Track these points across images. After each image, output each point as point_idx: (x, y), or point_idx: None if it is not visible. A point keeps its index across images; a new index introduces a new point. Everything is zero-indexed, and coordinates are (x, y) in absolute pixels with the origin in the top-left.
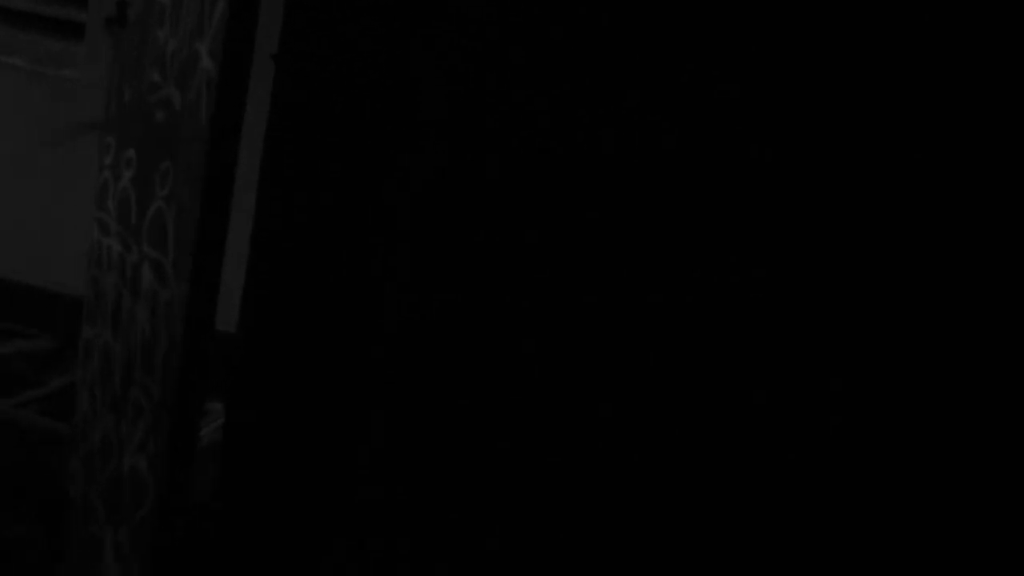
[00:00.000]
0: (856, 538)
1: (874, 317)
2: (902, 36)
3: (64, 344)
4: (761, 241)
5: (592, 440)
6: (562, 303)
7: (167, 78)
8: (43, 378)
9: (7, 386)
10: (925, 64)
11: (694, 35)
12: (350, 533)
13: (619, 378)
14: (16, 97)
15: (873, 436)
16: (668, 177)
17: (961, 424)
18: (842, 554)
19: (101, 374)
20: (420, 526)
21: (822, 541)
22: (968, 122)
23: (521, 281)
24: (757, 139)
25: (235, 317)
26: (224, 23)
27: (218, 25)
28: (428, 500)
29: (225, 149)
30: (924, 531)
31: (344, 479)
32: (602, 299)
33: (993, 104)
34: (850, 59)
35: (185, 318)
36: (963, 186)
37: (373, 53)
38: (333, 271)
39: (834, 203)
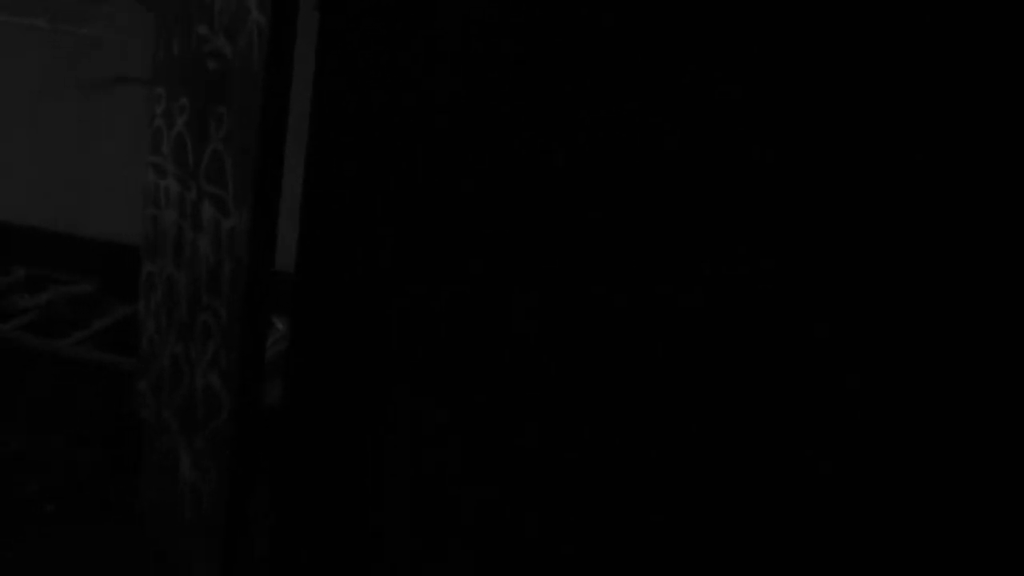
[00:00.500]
0: (873, 537)
1: (886, 314)
2: (906, 37)
3: (101, 287)
4: (769, 236)
5: (602, 431)
6: (567, 294)
7: (216, 31)
8: (87, 319)
9: (56, 328)
10: (930, 64)
11: (697, 38)
12: (394, 439)
13: (621, 369)
14: (39, 55)
15: (890, 433)
16: (671, 174)
17: (982, 422)
18: (858, 552)
19: (166, 303)
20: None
21: (837, 538)
22: (973, 119)
23: (526, 272)
24: (760, 138)
25: (287, 260)
26: None
27: None
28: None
29: (279, 90)
30: (941, 530)
31: (387, 391)
32: (608, 291)
33: (995, 102)
34: (866, 58)
35: (249, 242)
36: (971, 184)
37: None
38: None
39: (830, 202)
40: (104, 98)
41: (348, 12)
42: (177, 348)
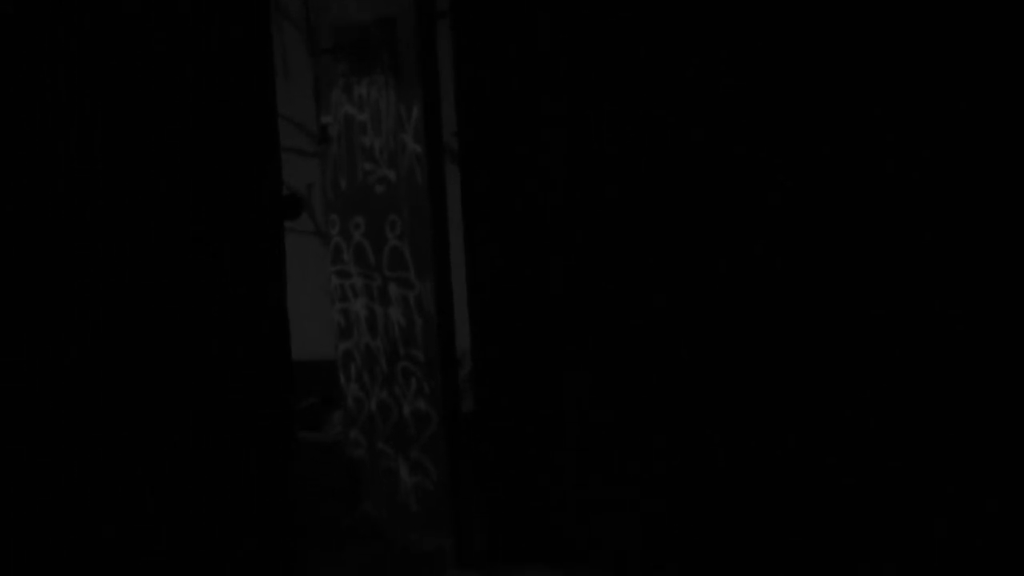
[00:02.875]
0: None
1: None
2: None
3: None
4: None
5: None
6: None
7: (379, 164)
8: None
9: None
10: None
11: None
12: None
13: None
14: None
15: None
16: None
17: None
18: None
19: (366, 365)
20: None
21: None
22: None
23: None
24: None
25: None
26: (423, 118)
27: (416, 121)
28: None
29: (439, 195)
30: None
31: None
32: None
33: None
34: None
35: (436, 300)
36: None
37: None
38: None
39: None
40: None
41: (478, 142)
42: (383, 394)
